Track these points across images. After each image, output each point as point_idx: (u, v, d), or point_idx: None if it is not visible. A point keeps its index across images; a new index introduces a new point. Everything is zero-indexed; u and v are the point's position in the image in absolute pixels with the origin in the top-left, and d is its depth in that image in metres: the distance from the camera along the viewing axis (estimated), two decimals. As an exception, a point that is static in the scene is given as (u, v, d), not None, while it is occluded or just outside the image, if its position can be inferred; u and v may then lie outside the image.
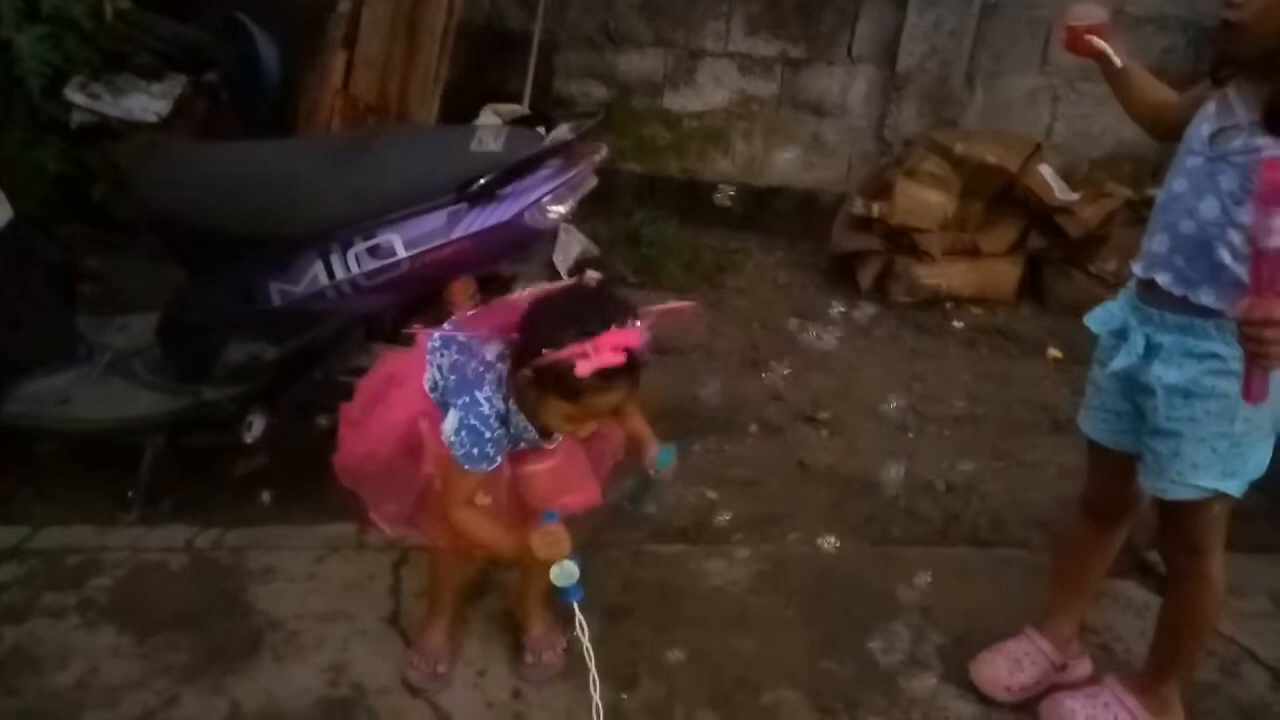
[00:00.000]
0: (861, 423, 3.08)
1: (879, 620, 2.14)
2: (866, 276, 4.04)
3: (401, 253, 2.16)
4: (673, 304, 1.66)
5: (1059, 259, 4.06)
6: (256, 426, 2.33)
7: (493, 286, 2.31)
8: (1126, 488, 1.84)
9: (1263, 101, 1.50)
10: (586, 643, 1.62)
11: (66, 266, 2.65)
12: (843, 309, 3.66)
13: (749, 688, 1.94)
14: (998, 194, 4.02)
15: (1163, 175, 1.70)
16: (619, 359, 1.48)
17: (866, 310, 3.86)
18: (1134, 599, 2.26)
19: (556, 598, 1.73)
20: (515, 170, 2.15)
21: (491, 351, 1.63)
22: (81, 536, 2.20)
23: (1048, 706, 1.89)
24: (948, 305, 3.99)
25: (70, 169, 3.31)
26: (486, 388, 1.60)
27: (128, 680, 1.83)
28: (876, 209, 3.98)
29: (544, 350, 1.50)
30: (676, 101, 4.66)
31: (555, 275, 2.50)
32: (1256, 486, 1.68)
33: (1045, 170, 3.99)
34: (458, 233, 2.15)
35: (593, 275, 1.57)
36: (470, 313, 1.69)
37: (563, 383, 1.51)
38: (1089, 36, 1.78)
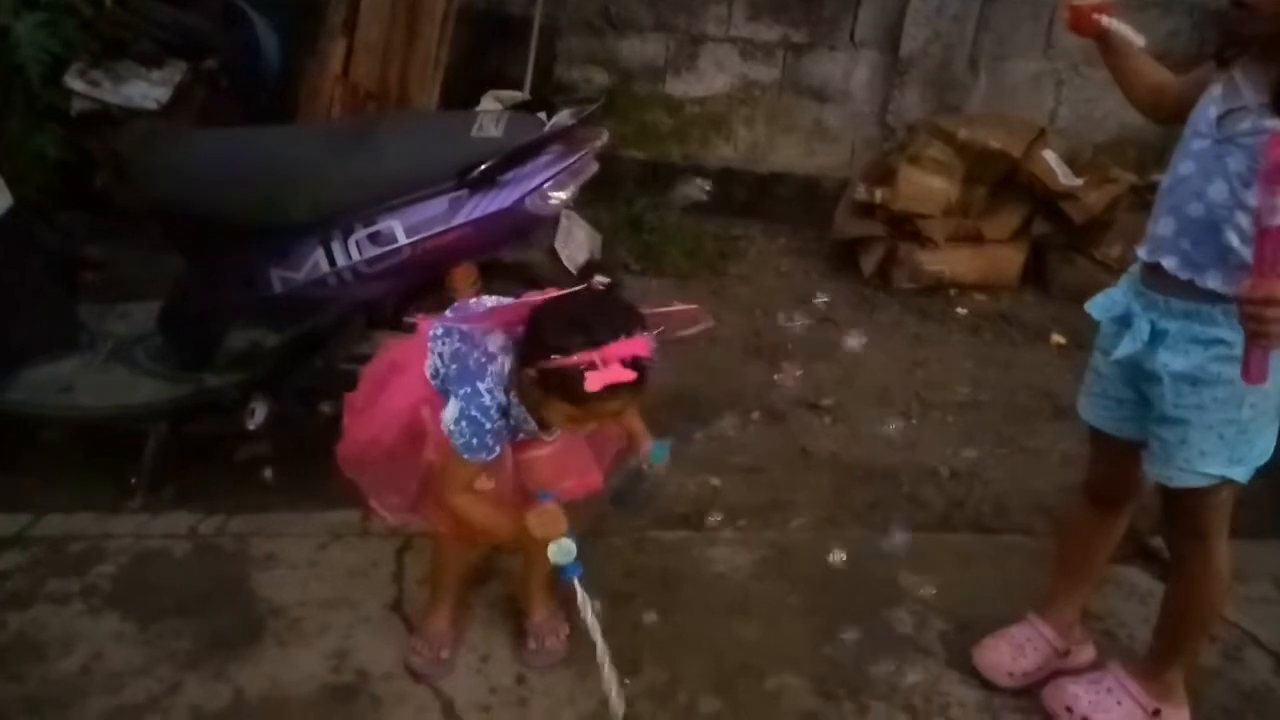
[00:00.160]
0: (864, 409, 3.07)
1: (882, 606, 2.14)
2: (869, 263, 4.03)
3: (402, 239, 2.16)
4: (678, 306, 1.65)
5: (1063, 245, 4.04)
6: (259, 413, 2.33)
7: (494, 273, 2.31)
8: (1129, 474, 1.84)
9: (1271, 83, 1.49)
10: (589, 616, 1.62)
11: (67, 254, 2.65)
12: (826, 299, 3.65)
13: (752, 673, 1.94)
14: (1001, 179, 4.00)
15: (1167, 160, 1.69)
16: (628, 376, 1.48)
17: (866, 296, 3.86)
18: (1137, 585, 2.26)
19: (557, 577, 1.73)
20: (516, 156, 2.14)
21: (494, 343, 1.62)
22: (85, 524, 2.21)
23: (1050, 692, 1.89)
24: (951, 291, 3.98)
25: (70, 156, 3.30)
26: (488, 379, 1.59)
27: (131, 667, 1.84)
28: (879, 195, 3.96)
29: (552, 356, 1.50)
30: (678, 87, 4.64)
31: (561, 267, 2.48)
32: (1260, 472, 1.67)
33: (1049, 155, 3.97)
34: (459, 219, 2.14)
35: (600, 280, 1.56)
36: (475, 311, 1.68)
37: (568, 388, 1.51)
38: (1096, 15, 1.76)
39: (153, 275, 2.83)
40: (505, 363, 1.62)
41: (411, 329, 1.76)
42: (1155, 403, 1.68)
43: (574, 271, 1.87)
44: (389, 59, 3.63)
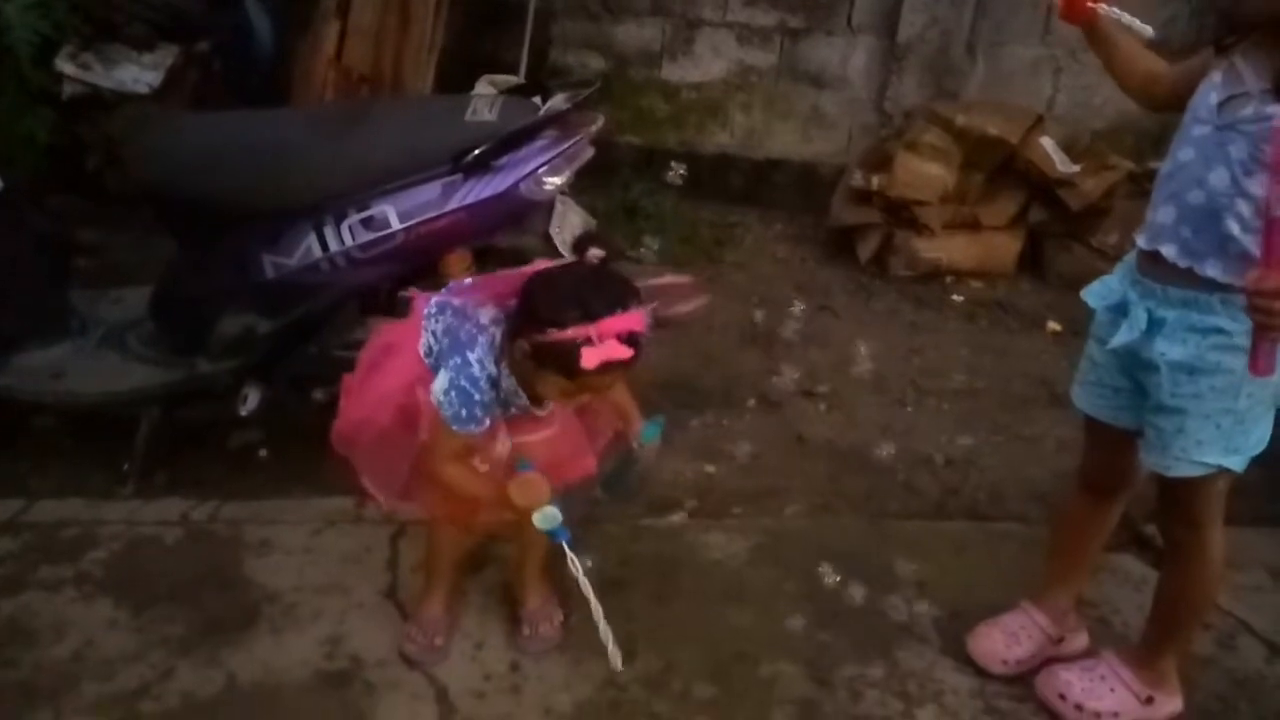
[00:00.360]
0: (860, 396, 3.07)
1: (876, 593, 2.14)
2: (866, 250, 4.02)
3: (396, 224, 2.14)
4: (671, 279, 1.64)
5: (1060, 232, 4.03)
6: (252, 399, 2.32)
7: (488, 258, 2.30)
8: (1124, 462, 1.83)
9: (1273, 69, 1.48)
10: (581, 577, 1.62)
11: (59, 239, 2.63)
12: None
13: (747, 660, 1.94)
14: (998, 166, 3.99)
15: (1164, 147, 1.68)
16: (624, 353, 1.48)
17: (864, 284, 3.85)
18: (1131, 572, 2.26)
19: (554, 550, 1.72)
20: (511, 141, 2.13)
21: (486, 316, 1.62)
22: (77, 510, 2.20)
23: (1044, 679, 1.89)
24: (947, 279, 3.97)
25: (62, 140, 3.28)
26: (479, 349, 1.59)
27: (124, 653, 1.83)
28: (876, 182, 3.95)
29: (547, 330, 1.49)
30: (675, 72, 4.61)
31: (556, 253, 2.48)
32: (1256, 460, 1.67)
33: (1046, 142, 3.95)
34: (453, 204, 2.13)
35: (595, 253, 1.55)
36: (469, 281, 1.68)
37: (562, 362, 1.50)
38: (1091, 4, 1.74)
39: (145, 260, 2.82)
40: (496, 334, 1.61)
41: (406, 312, 1.75)
42: (1152, 392, 1.67)
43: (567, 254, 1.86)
44: (383, 42, 3.61)
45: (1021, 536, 2.37)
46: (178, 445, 2.43)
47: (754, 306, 3.61)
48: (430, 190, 2.13)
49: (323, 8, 3.57)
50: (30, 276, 2.39)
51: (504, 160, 2.13)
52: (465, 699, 1.80)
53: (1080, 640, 2.01)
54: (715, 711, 1.82)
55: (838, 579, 2.07)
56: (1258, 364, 1.43)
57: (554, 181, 2.17)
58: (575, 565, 1.62)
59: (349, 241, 2.18)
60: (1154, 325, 1.64)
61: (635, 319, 1.50)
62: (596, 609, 1.62)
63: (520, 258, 2.33)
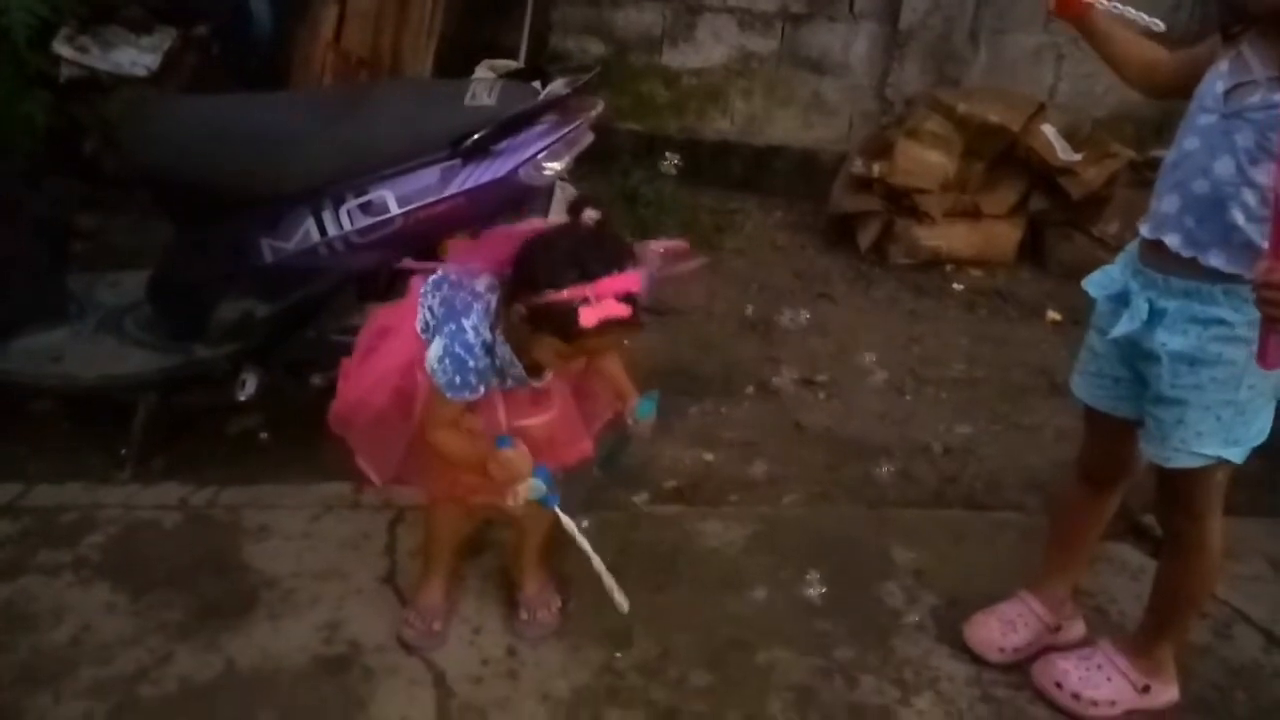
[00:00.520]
0: (859, 385, 3.06)
1: (874, 581, 2.14)
2: (866, 238, 4.01)
3: (394, 209, 2.13)
4: (667, 244, 1.62)
5: (1060, 221, 4.02)
6: (250, 385, 2.32)
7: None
8: (1123, 452, 1.83)
9: None
10: (578, 535, 1.63)
11: (56, 222, 2.62)
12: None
13: (744, 647, 1.94)
14: (1000, 154, 3.97)
15: (1166, 136, 1.67)
16: (624, 311, 1.46)
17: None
18: (1129, 562, 2.26)
19: (552, 537, 1.73)
20: (510, 125, 2.11)
21: (481, 283, 1.61)
22: (75, 494, 2.20)
23: (1040, 668, 1.89)
24: (947, 267, 3.96)
25: (59, 123, 3.26)
26: (474, 316, 1.58)
27: (122, 637, 1.83)
28: (877, 169, 3.94)
29: (544, 290, 1.47)
30: (675, 58, 4.59)
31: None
32: (1256, 451, 1.67)
33: (1048, 130, 3.94)
34: (451, 189, 2.12)
35: (591, 214, 1.53)
36: (465, 243, 1.66)
37: (559, 324, 1.49)
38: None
39: (142, 244, 2.81)
40: (492, 301, 1.60)
41: (404, 294, 1.75)
42: (1152, 382, 1.67)
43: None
44: (382, 26, 3.59)
45: (1019, 525, 2.37)
46: (176, 430, 2.43)
47: (753, 294, 3.60)
48: (429, 175, 2.12)
49: (321, -9, 3.54)
50: (28, 260, 2.39)
51: (503, 145, 2.12)
52: (463, 684, 1.80)
53: (1077, 629, 2.01)
54: (712, 698, 1.83)
55: (823, 590, 2.06)
56: (1266, 356, 1.42)
57: (553, 167, 2.16)
58: (570, 526, 1.62)
59: (347, 226, 2.17)
60: (1155, 316, 1.64)
61: (633, 279, 1.48)
62: (597, 562, 1.62)
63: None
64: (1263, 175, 1.47)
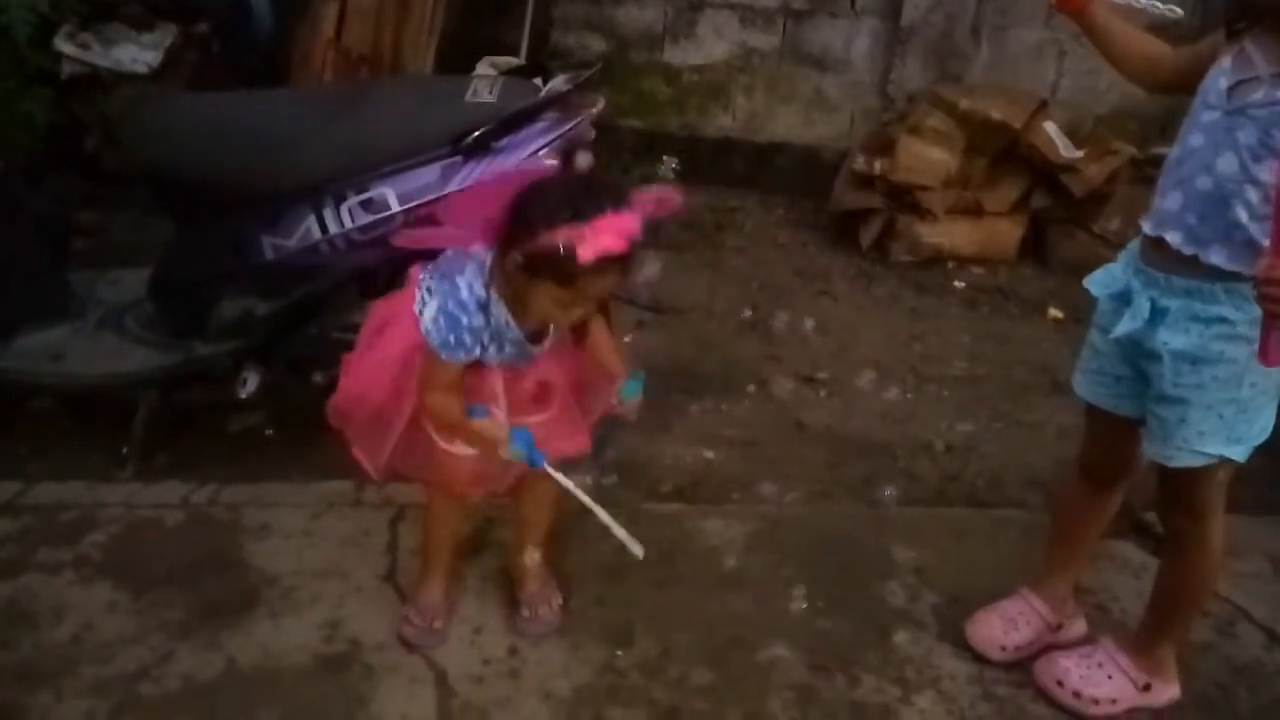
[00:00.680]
0: (860, 383, 3.06)
1: (875, 580, 2.14)
2: (868, 235, 4.00)
3: (395, 206, 2.13)
4: (661, 192, 1.61)
5: (1062, 218, 4.01)
6: (251, 382, 2.31)
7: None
8: (1125, 450, 1.83)
9: None
10: (572, 488, 1.62)
11: (57, 219, 2.62)
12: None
13: (744, 646, 1.94)
14: (1001, 151, 3.97)
15: (1169, 133, 1.67)
16: (620, 244, 1.44)
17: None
18: (1131, 560, 2.26)
19: (553, 536, 1.72)
20: (511, 122, 2.11)
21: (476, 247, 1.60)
22: (76, 492, 2.20)
23: (1042, 666, 1.89)
24: (949, 265, 3.95)
25: (60, 120, 3.26)
26: (468, 273, 1.57)
27: (123, 636, 1.83)
28: (879, 166, 3.93)
29: (539, 233, 1.45)
30: (676, 55, 4.58)
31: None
32: (1259, 449, 1.66)
33: (1050, 127, 3.93)
34: (452, 186, 2.11)
35: (584, 158, 1.52)
36: (460, 191, 1.63)
37: (556, 267, 1.47)
38: None
39: (143, 241, 2.81)
40: (486, 260, 1.58)
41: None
42: (1154, 381, 1.66)
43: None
44: (382, 23, 3.58)
45: (1021, 523, 2.36)
46: (177, 428, 2.43)
47: (754, 292, 3.60)
48: (430, 172, 2.12)
49: (322, -12, 3.54)
50: (28, 258, 2.39)
51: (504, 142, 2.11)
52: (464, 683, 1.80)
53: (1079, 627, 2.01)
54: (713, 697, 1.82)
55: (804, 605, 2.04)
56: (1268, 353, 1.41)
57: (554, 163, 2.16)
58: (562, 480, 1.61)
59: (348, 224, 2.17)
60: (1157, 314, 1.63)
61: (629, 220, 1.47)
62: (603, 514, 1.61)
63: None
64: (1265, 172, 1.46)
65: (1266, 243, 1.41)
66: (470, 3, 4.11)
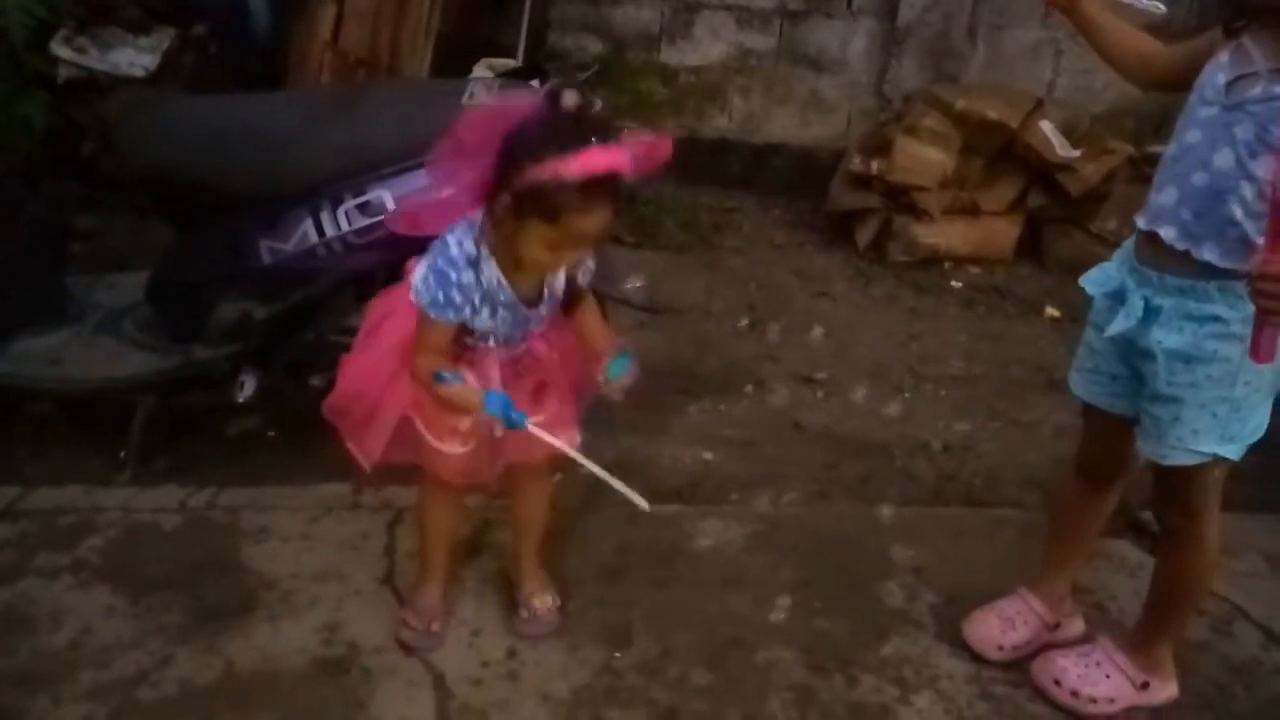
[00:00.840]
0: (857, 383, 3.06)
1: (873, 580, 2.14)
2: (865, 235, 4.01)
3: (392, 209, 2.13)
4: (650, 136, 1.60)
5: (1059, 218, 4.02)
6: (248, 386, 2.31)
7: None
8: (1121, 449, 1.83)
9: None
10: (572, 451, 1.62)
11: (55, 224, 2.62)
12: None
13: (743, 646, 1.94)
14: (998, 151, 3.97)
15: (1165, 131, 1.67)
16: (603, 167, 1.43)
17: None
18: (1127, 558, 2.26)
19: (551, 535, 1.71)
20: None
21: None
22: (74, 497, 2.20)
23: (1040, 665, 1.90)
24: (946, 264, 3.96)
25: (57, 124, 3.27)
26: (458, 231, 1.57)
27: (121, 640, 1.83)
28: (875, 166, 3.94)
29: (526, 169, 1.44)
30: (673, 56, 4.58)
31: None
32: (1254, 447, 1.67)
33: (1046, 126, 3.93)
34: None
35: (570, 96, 1.50)
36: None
37: (543, 202, 1.45)
38: None
39: (141, 245, 2.81)
40: (477, 219, 1.57)
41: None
42: (1149, 380, 1.67)
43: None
44: (379, 25, 3.58)
45: (1018, 522, 2.37)
46: (175, 431, 2.43)
47: (752, 292, 3.60)
48: (427, 176, 2.12)
49: (319, -9, 3.54)
50: (26, 262, 2.38)
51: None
52: (462, 685, 1.80)
53: (1076, 626, 2.01)
54: (712, 698, 1.83)
55: (783, 616, 2.03)
56: (1259, 350, 1.42)
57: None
58: (551, 440, 1.60)
59: (345, 227, 2.17)
60: (1150, 313, 1.64)
61: (618, 154, 1.45)
62: (597, 470, 1.59)
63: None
64: (1261, 168, 1.47)
65: (1261, 239, 1.41)
66: (467, 4, 4.11)
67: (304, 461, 2.34)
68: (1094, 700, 1.83)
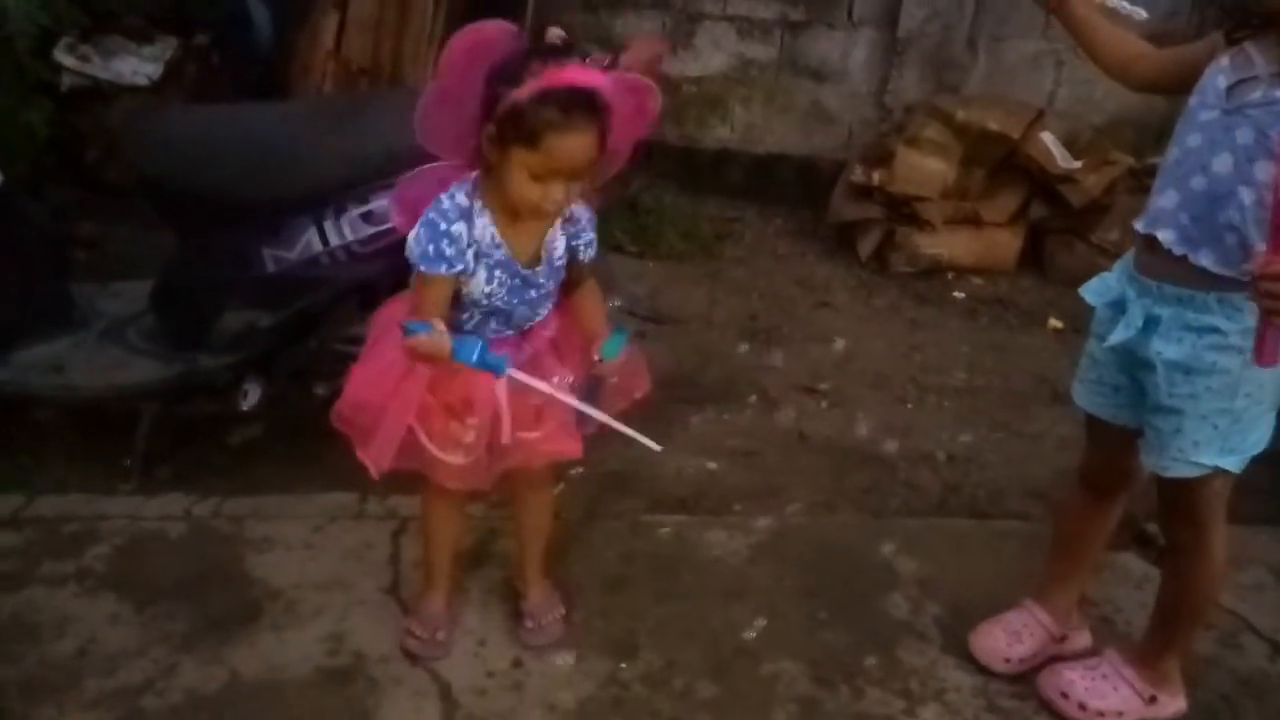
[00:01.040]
0: (861, 393, 3.06)
1: (877, 591, 2.14)
2: (866, 246, 4.01)
3: (397, 226, 2.13)
4: (640, 45, 1.59)
5: (1061, 228, 4.02)
6: (252, 394, 2.31)
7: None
8: (1125, 460, 1.82)
9: None
10: (544, 388, 1.59)
11: (59, 232, 2.62)
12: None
13: (748, 658, 1.94)
14: (999, 162, 3.98)
15: (1166, 143, 1.67)
16: (582, 80, 1.45)
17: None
18: (1133, 571, 2.26)
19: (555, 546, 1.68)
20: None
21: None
22: (79, 505, 2.20)
23: (1046, 678, 1.89)
24: (948, 275, 3.97)
25: (61, 132, 3.27)
26: (453, 188, 1.57)
27: (126, 649, 1.83)
28: (877, 177, 3.94)
29: (505, 94, 1.45)
30: (675, 66, 4.59)
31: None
32: (1259, 459, 1.67)
33: (1047, 138, 3.94)
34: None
35: (556, 33, 1.51)
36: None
37: (523, 124, 1.45)
38: None
39: (145, 253, 2.80)
40: (474, 177, 1.58)
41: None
42: (1149, 391, 1.67)
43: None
44: (382, 34, 3.59)
45: (1023, 534, 2.36)
46: (179, 440, 2.43)
47: (754, 302, 3.60)
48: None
49: (321, 0, 3.55)
50: (30, 270, 2.38)
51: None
52: (468, 695, 1.80)
53: (1083, 639, 2.00)
54: (717, 710, 1.82)
55: (754, 635, 2.00)
56: (1263, 352, 1.40)
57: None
58: (543, 388, 1.59)
59: (349, 236, 2.17)
60: (1150, 323, 1.64)
61: (596, 75, 1.47)
62: (600, 415, 1.58)
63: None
64: (1262, 172, 1.47)
65: (1263, 241, 1.41)
66: (469, 12, 4.12)
67: (308, 470, 2.34)
68: (1101, 714, 1.82)
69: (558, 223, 1.66)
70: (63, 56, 3.25)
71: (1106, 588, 2.19)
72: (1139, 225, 1.66)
